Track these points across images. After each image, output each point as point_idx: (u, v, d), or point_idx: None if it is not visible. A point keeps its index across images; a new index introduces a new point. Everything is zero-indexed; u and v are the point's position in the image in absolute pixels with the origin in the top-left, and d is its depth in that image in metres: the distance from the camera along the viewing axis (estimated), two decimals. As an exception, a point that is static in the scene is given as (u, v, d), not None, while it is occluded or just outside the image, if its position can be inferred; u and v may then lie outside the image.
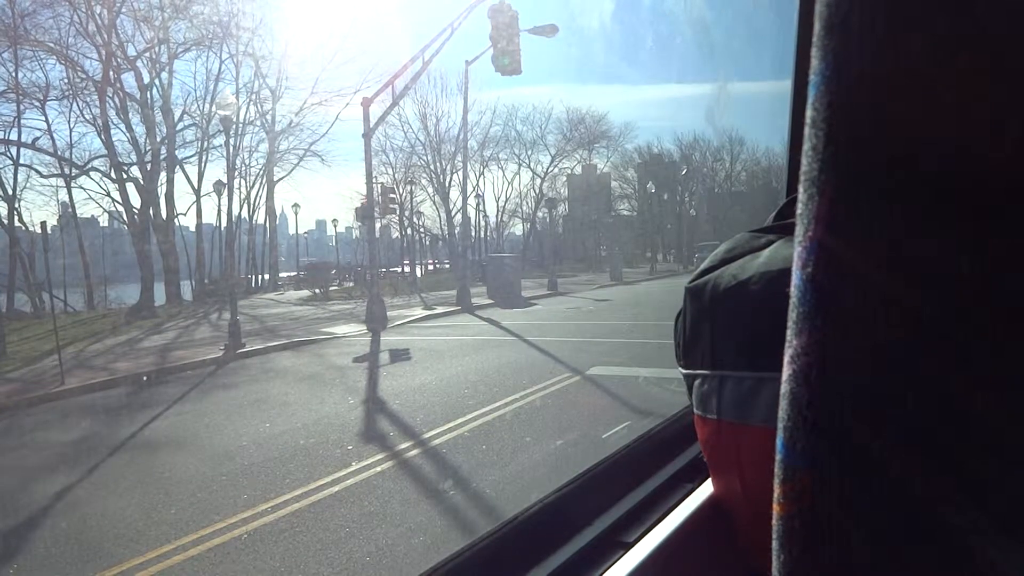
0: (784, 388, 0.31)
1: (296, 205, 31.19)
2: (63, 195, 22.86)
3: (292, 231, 33.65)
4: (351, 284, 25.92)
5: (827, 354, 0.29)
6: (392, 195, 27.22)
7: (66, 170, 22.34)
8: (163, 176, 22.86)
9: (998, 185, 0.26)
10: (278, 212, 30.04)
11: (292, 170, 27.35)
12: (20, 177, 21.58)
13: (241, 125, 24.71)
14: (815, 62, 0.29)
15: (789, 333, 0.31)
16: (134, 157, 22.19)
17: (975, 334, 0.27)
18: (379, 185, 22.85)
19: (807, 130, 0.29)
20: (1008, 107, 0.26)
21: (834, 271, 0.29)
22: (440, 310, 18.56)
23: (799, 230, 0.30)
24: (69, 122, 22.18)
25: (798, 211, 0.30)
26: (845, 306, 0.29)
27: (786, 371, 0.31)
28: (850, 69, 0.28)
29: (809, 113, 0.29)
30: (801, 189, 0.30)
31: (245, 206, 27.39)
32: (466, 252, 25.99)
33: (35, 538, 5.13)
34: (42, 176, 21.98)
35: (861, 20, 0.27)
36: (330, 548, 4.71)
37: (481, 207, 35.97)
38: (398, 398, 8.62)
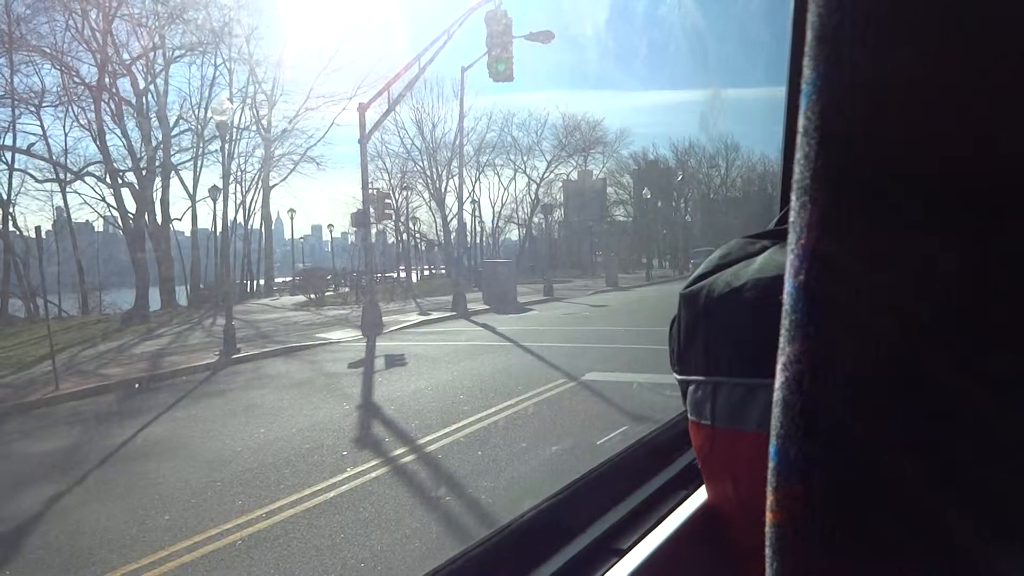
0: (777, 395, 0.31)
1: (292, 210, 31.08)
2: (58, 200, 22.89)
3: (288, 236, 33.58)
4: (346, 289, 25.82)
5: (820, 361, 0.29)
6: (388, 200, 27.23)
7: (61, 175, 22.34)
8: (158, 181, 22.86)
9: (993, 188, 0.26)
10: (273, 217, 29.97)
11: (288, 175, 27.31)
12: (15, 182, 21.62)
13: (237, 130, 24.71)
14: (807, 71, 0.29)
15: (782, 340, 0.30)
16: (129, 162, 22.21)
17: (975, 334, 0.27)
18: (375, 191, 22.87)
19: (799, 139, 0.29)
20: (1000, 114, 0.26)
21: (827, 279, 0.29)
22: (435, 315, 18.51)
23: (792, 238, 0.30)
24: (64, 127, 22.23)
25: (791, 219, 0.30)
26: (838, 313, 0.29)
27: (779, 378, 0.31)
28: (842, 79, 0.28)
29: (801, 122, 0.29)
30: (793, 197, 0.30)
31: (240, 211, 27.37)
32: (462, 258, 25.98)
33: (28, 544, 5.09)
34: (37, 181, 21.98)
35: (853, 30, 0.27)
36: (325, 554, 4.69)
37: (477, 213, 36.01)
38: (393, 404, 8.59)
